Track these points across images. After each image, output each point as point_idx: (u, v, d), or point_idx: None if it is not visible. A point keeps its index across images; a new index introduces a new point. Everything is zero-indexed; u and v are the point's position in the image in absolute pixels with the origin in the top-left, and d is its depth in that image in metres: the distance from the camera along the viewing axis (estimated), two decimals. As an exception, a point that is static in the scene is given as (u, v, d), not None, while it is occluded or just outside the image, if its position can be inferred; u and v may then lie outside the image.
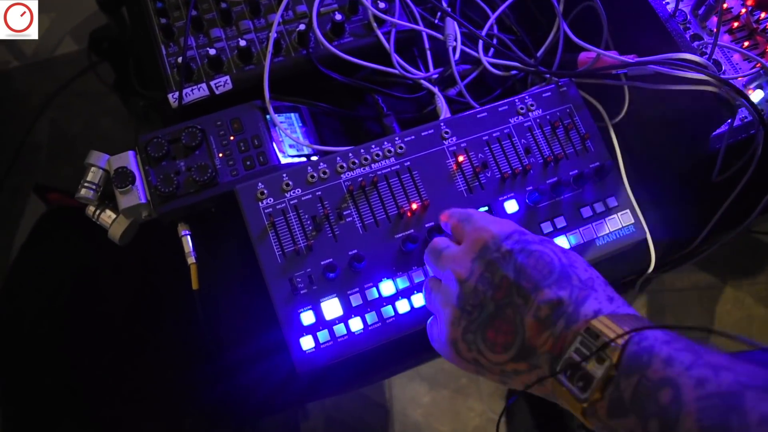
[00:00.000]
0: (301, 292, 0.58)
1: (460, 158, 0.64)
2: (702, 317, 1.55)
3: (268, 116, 0.67)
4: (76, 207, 0.66)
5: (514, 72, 0.74)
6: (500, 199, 0.64)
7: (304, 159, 0.68)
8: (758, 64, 0.65)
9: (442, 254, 0.52)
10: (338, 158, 0.63)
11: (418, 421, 1.39)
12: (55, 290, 0.75)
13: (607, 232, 0.64)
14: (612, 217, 0.65)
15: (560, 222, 0.64)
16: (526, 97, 0.67)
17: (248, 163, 0.65)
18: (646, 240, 0.66)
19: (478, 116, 0.66)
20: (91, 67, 1.15)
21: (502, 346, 0.45)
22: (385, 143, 0.64)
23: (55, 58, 1.25)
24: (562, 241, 0.63)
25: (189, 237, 0.64)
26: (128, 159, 0.64)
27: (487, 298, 0.46)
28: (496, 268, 0.46)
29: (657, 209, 0.69)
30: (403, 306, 0.59)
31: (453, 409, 1.41)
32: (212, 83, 0.68)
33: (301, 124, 0.70)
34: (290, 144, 0.68)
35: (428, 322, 0.55)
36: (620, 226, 0.65)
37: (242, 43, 0.68)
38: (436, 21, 0.76)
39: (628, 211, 0.65)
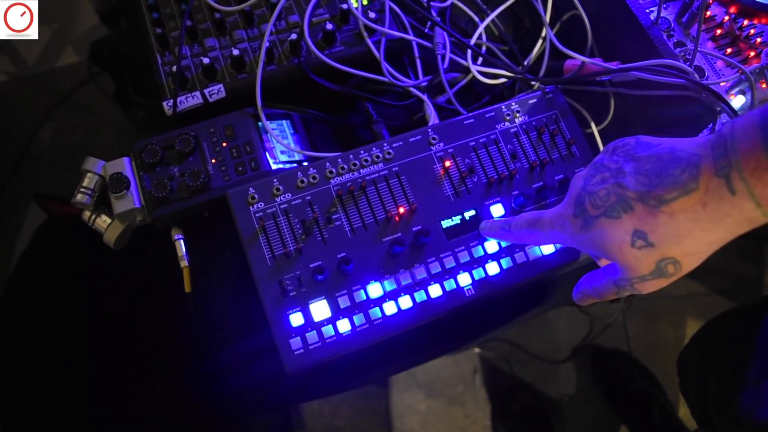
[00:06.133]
0: (291, 294, 0.60)
1: (447, 163, 0.65)
2: (699, 325, 1.55)
3: (260, 123, 0.69)
4: (76, 215, 0.68)
5: (501, 79, 0.76)
6: (486, 203, 0.65)
7: (295, 165, 0.69)
8: (740, 71, 0.66)
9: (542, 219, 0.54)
10: (327, 163, 0.64)
11: (415, 429, 1.39)
12: (53, 296, 0.76)
13: (593, 235, 0.65)
14: (597, 220, 0.66)
15: (546, 225, 0.65)
16: (513, 103, 0.69)
17: (240, 168, 0.66)
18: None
19: (465, 122, 0.67)
20: (92, 78, 1.17)
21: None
22: (374, 149, 0.65)
23: (56, 69, 1.27)
24: (547, 245, 0.64)
25: (182, 241, 0.66)
26: (123, 165, 0.66)
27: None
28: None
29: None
30: (390, 308, 0.60)
31: (449, 416, 1.41)
32: (206, 91, 0.70)
33: (292, 131, 0.72)
34: (282, 150, 0.70)
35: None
36: (605, 230, 0.66)
37: (235, 52, 0.70)
38: (426, 30, 0.78)
39: (613, 214, 0.66)
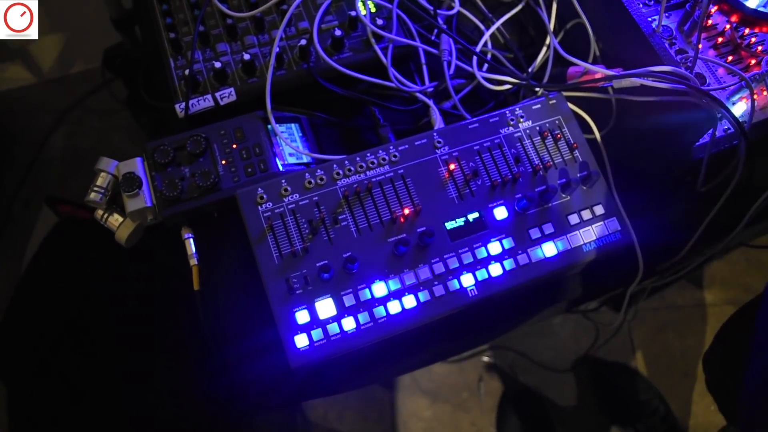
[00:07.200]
0: (297, 292, 0.61)
1: (452, 166, 0.67)
2: (705, 335, 1.55)
3: (269, 126, 0.70)
4: (87, 218, 0.69)
5: (506, 86, 0.77)
6: (490, 205, 0.66)
7: (303, 167, 0.70)
8: (740, 78, 0.68)
9: None
10: (335, 165, 0.66)
11: (420, 435, 1.39)
12: (64, 296, 0.78)
13: (594, 238, 0.66)
14: (599, 224, 0.67)
15: (548, 228, 0.66)
16: (517, 109, 0.70)
17: (249, 170, 0.67)
18: (633, 247, 0.68)
19: (469, 127, 0.69)
20: (105, 84, 1.19)
21: None
22: (380, 152, 0.67)
23: (70, 76, 1.29)
24: (549, 247, 0.65)
25: (192, 240, 0.67)
26: (136, 165, 0.67)
27: None
28: None
29: (645, 218, 0.71)
30: (394, 307, 0.61)
31: (454, 423, 1.41)
32: (217, 94, 0.72)
33: (300, 134, 0.73)
34: (290, 152, 0.71)
35: None
36: (607, 233, 0.67)
37: (246, 57, 0.71)
38: (433, 37, 0.79)
39: (615, 218, 0.67)
